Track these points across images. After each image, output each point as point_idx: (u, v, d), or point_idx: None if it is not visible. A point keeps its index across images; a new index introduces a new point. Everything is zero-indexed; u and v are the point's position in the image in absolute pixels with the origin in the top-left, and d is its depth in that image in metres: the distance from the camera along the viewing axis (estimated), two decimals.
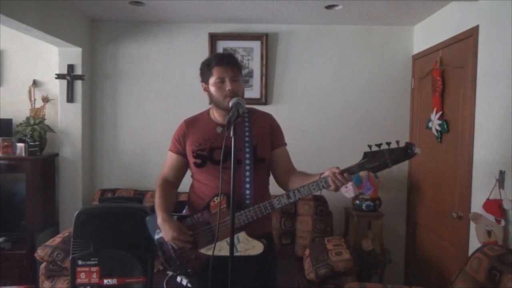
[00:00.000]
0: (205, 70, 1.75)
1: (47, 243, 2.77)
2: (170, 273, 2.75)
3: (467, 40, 2.60)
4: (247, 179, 1.68)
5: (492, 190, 2.25)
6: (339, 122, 3.52)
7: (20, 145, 3.18)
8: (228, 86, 1.68)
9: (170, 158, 1.90)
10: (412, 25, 3.47)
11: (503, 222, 2.16)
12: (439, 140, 2.93)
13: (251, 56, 3.49)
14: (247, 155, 1.70)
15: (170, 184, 1.87)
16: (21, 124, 3.32)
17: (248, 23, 3.48)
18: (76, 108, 3.39)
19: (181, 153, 1.85)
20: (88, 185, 3.53)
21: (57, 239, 2.82)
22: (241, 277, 1.54)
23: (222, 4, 2.96)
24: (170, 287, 2.65)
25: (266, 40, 3.46)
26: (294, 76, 3.53)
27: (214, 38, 3.48)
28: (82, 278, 1.88)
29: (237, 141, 1.63)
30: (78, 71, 3.36)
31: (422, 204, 3.28)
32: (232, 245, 1.45)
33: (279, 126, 1.87)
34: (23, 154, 3.16)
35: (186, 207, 1.88)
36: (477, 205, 2.40)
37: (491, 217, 2.22)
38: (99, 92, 3.56)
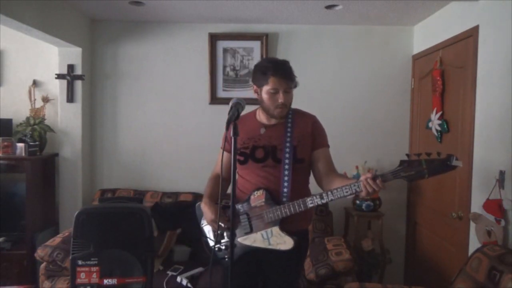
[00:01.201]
0: (260, 75, 1.80)
1: (47, 243, 2.77)
2: (170, 273, 2.75)
3: (467, 40, 2.60)
4: (286, 178, 1.77)
5: (492, 190, 2.25)
6: (339, 122, 3.52)
7: (20, 145, 3.18)
8: (281, 98, 1.77)
9: (219, 155, 1.98)
10: (412, 25, 3.47)
11: (503, 222, 2.16)
12: (439, 140, 2.93)
13: (251, 56, 3.49)
14: (287, 155, 1.78)
15: (220, 178, 1.95)
16: (21, 124, 3.32)
17: (248, 23, 3.48)
18: (76, 108, 3.39)
19: (229, 150, 1.88)
20: (88, 185, 3.53)
21: (57, 239, 2.82)
22: (268, 268, 1.75)
23: (222, 4, 2.96)
24: (170, 287, 2.65)
25: (266, 40, 3.46)
26: None
27: (214, 38, 3.48)
28: (82, 278, 1.88)
29: (279, 141, 1.80)
30: (78, 71, 3.36)
31: (422, 204, 3.28)
32: (232, 245, 1.46)
33: (321, 128, 1.93)
34: (23, 154, 3.16)
35: None
36: (477, 205, 2.40)
37: (491, 217, 2.22)
38: (99, 92, 3.56)
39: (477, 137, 2.48)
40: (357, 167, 3.30)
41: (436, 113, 2.90)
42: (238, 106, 1.58)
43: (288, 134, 1.82)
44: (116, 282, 1.89)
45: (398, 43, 3.50)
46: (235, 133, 1.45)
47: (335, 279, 2.63)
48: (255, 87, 1.85)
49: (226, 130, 1.47)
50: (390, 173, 1.56)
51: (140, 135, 3.58)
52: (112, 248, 1.91)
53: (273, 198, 1.75)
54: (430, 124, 3.01)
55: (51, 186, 3.41)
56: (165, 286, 2.64)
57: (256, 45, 3.48)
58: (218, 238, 1.86)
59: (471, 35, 2.54)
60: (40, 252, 2.70)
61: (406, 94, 3.51)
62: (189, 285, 2.62)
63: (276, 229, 1.73)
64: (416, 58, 3.41)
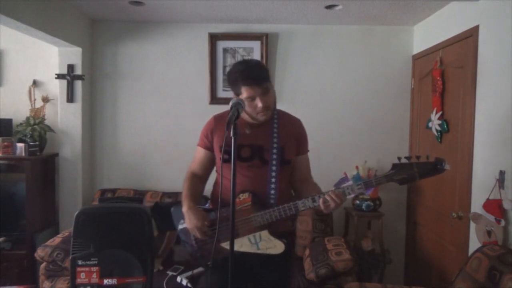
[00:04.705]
0: (234, 84, 1.72)
1: (47, 243, 2.77)
2: (170, 273, 2.75)
3: (467, 40, 2.60)
4: (273, 179, 1.72)
5: (492, 190, 2.25)
6: (339, 122, 3.52)
7: (20, 145, 3.18)
8: (259, 103, 1.68)
9: (198, 153, 1.93)
10: (412, 25, 3.47)
11: (503, 222, 2.16)
12: (439, 140, 2.93)
13: (251, 56, 3.49)
14: (274, 156, 1.74)
15: (198, 178, 1.91)
16: (21, 124, 3.32)
17: (248, 23, 3.48)
18: (76, 108, 3.39)
19: (209, 148, 1.87)
20: (88, 185, 3.53)
21: (57, 239, 2.82)
22: (258, 273, 1.64)
23: (222, 4, 2.96)
24: (170, 287, 2.65)
25: (266, 40, 3.46)
26: (294, 76, 3.53)
27: (214, 38, 3.48)
28: (82, 278, 1.88)
29: (265, 141, 1.74)
30: (78, 71, 3.36)
31: (422, 204, 3.27)
32: (232, 245, 1.44)
33: (306, 133, 1.89)
34: (23, 154, 3.16)
35: (209, 201, 1.94)
36: (477, 205, 2.40)
37: (491, 217, 2.22)
38: (99, 92, 3.56)
39: (477, 137, 2.48)
40: (357, 167, 3.30)
41: (436, 113, 2.90)
42: (238, 106, 1.55)
43: (275, 135, 1.77)
44: (116, 282, 1.89)
45: (398, 43, 3.50)
46: (235, 133, 1.44)
47: (335, 279, 2.63)
48: (234, 95, 1.76)
49: (226, 130, 1.42)
50: (383, 176, 1.59)
51: (140, 135, 3.57)
52: (112, 248, 1.90)
53: (260, 200, 1.69)
54: (430, 124, 3.01)
55: (51, 186, 3.41)
56: (165, 286, 2.64)
57: (256, 45, 3.48)
58: (201, 244, 1.78)
59: (471, 35, 2.54)
60: (40, 252, 2.70)
61: (406, 94, 3.51)
62: (189, 285, 2.62)
63: (265, 233, 1.67)
64: (416, 58, 3.41)
